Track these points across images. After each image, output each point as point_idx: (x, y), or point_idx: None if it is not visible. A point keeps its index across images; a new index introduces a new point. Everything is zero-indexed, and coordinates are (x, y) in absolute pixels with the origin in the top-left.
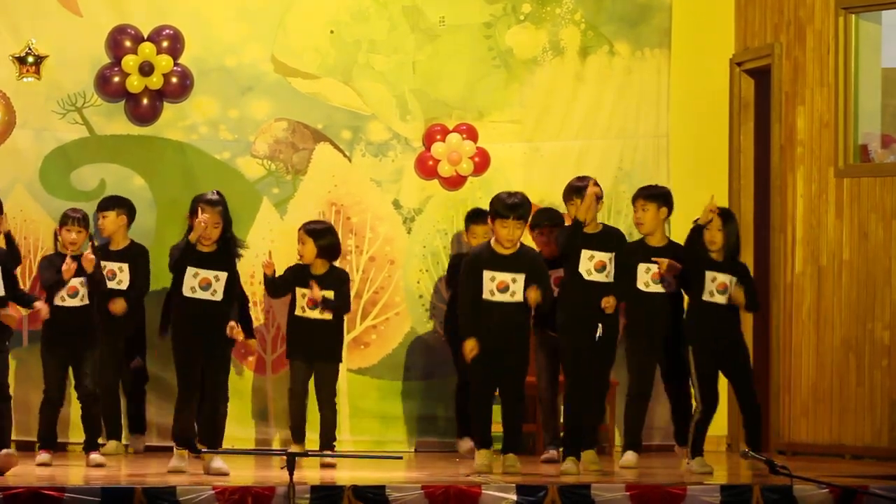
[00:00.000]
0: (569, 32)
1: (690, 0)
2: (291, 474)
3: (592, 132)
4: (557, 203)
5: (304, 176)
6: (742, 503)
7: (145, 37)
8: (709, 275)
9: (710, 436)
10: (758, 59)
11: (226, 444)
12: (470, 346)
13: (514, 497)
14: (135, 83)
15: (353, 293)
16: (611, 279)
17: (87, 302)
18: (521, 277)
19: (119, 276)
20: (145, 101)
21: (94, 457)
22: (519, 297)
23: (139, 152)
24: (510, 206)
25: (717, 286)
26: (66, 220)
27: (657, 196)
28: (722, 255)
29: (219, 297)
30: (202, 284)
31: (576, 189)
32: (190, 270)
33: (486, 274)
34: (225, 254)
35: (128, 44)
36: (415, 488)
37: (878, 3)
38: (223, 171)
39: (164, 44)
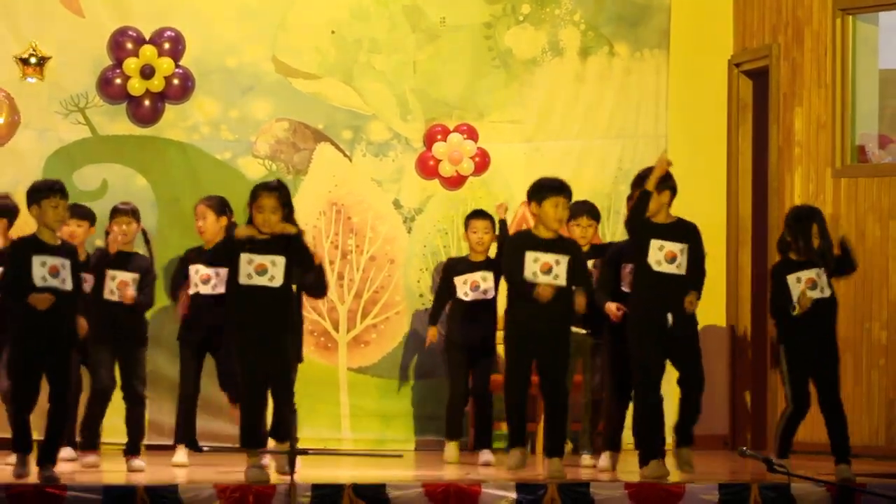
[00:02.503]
0: (568, 33)
1: (689, 1)
2: (292, 472)
3: (592, 132)
4: None
5: (305, 176)
6: (740, 501)
7: (147, 39)
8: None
9: (711, 434)
10: (756, 60)
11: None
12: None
13: (513, 495)
14: (136, 86)
15: (352, 293)
16: (682, 271)
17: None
18: (564, 260)
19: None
20: (147, 102)
21: (136, 462)
22: (562, 281)
23: (141, 153)
24: (562, 185)
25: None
26: (116, 213)
27: None
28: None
29: (277, 282)
30: (258, 270)
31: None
32: (244, 257)
33: (529, 255)
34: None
35: (129, 46)
36: (415, 486)
37: (875, 4)
38: (225, 172)
39: (166, 46)
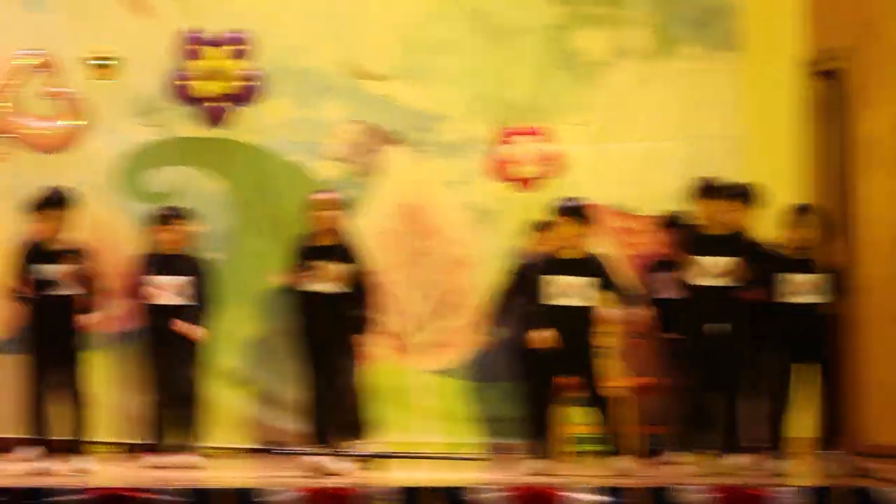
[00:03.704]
0: (638, 35)
1: (761, 2)
2: (373, 475)
3: (661, 134)
4: (626, 204)
5: (376, 177)
6: None
7: (217, 41)
8: None
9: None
10: (831, 61)
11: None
12: None
13: (594, 498)
14: (207, 88)
15: (424, 295)
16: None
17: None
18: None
19: None
20: (219, 104)
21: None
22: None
23: (211, 155)
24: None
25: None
26: (163, 219)
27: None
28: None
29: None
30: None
31: (709, 190)
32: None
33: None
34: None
35: (200, 48)
36: (494, 490)
37: None
38: (296, 174)
39: (236, 48)
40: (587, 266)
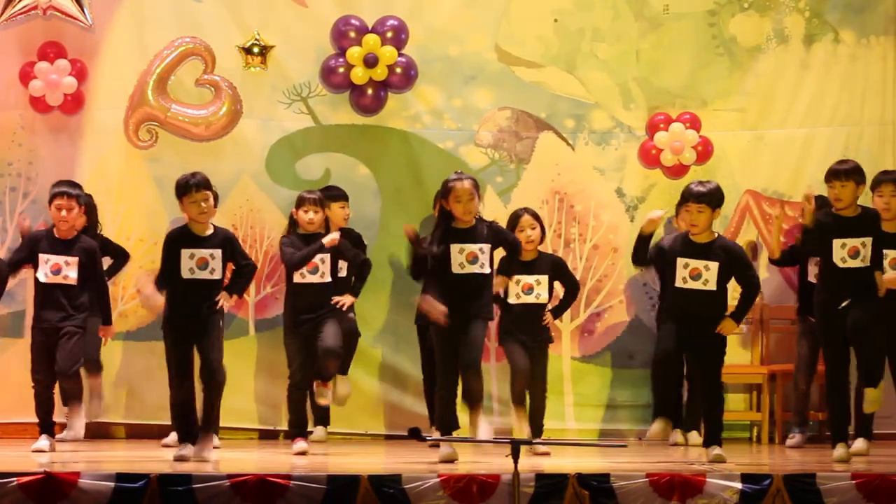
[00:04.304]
0: (793, 20)
1: None
2: (516, 462)
3: (817, 120)
4: (781, 191)
5: (528, 164)
6: None
7: (370, 28)
8: None
9: None
10: None
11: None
12: None
13: (739, 485)
14: (359, 74)
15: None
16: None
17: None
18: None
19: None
20: (370, 91)
21: (300, 444)
22: (712, 286)
23: (364, 142)
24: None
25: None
26: (302, 201)
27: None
28: None
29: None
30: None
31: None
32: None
33: (680, 261)
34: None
35: (352, 35)
36: (639, 476)
37: None
38: (447, 160)
39: (389, 34)
40: (713, 251)
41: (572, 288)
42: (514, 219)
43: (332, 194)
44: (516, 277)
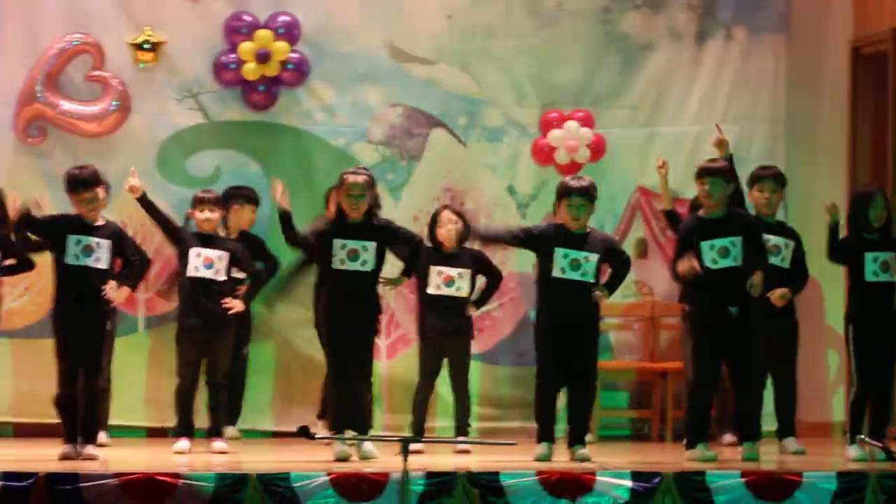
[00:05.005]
0: (685, 18)
1: None
2: (406, 460)
3: (709, 117)
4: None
5: (419, 162)
6: (858, 490)
7: (262, 23)
8: None
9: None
10: (877, 44)
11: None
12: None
13: (629, 483)
14: (251, 70)
15: None
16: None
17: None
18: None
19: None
20: (261, 87)
21: (218, 444)
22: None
23: (255, 139)
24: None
25: None
26: (198, 201)
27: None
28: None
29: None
30: (350, 255)
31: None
32: (337, 242)
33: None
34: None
35: (244, 30)
36: (529, 474)
37: None
38: (338, 157)
39: (281, 30)
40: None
41: (495, 280)
42: (434, 216)
43: (244, 195)
44: (437, 269)
